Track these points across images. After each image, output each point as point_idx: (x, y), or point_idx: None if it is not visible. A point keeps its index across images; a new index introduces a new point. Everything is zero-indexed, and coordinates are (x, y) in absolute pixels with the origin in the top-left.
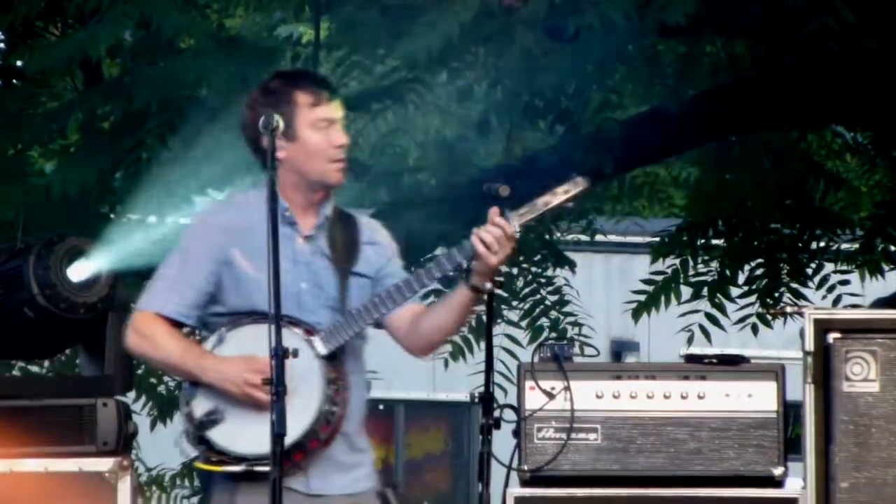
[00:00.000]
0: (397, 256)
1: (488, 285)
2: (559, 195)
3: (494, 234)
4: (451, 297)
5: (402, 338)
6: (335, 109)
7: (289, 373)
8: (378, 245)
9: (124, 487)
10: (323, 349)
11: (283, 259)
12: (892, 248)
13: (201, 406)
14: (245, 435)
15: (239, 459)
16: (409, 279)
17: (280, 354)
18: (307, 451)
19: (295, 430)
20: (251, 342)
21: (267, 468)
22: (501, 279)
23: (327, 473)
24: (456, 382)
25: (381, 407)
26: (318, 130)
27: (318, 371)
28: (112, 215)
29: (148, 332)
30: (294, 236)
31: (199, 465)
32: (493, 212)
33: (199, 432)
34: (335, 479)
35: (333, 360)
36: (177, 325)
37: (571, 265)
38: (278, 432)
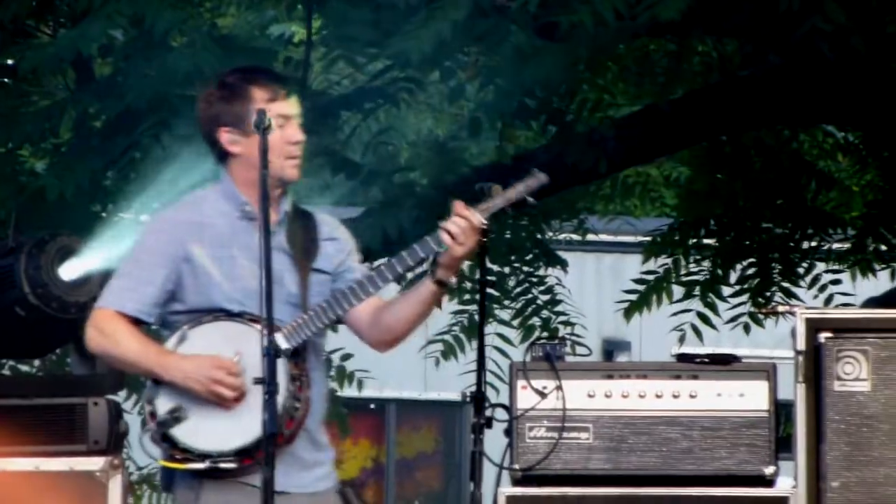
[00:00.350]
0: (356, 252)
1: (453, 279)
2: (519, 189)
3: (460, 225)
4: (415, 291)
5: (363, 332)
6: (291, 106)
7: (252, 369)
8: (337, 241)
9: (115, 486)
10: (285, 346)
11: (243, 255)
12: (884, 247)
13: (164, 404)
14: (209, 432)
15: (203, 457)
16: (371, 274)
17: (272, 354)
18: (274, 446)
19: (259, 426)
20: (214, 340)
21: (231, 465)
22: (494, 278)
23: (290, 471)
24: (447, 382)
25: (372, 406)
26: (274, 127)
27: (280, 368)
28: (104, 214)
29: (108, 331)
30: (254, 232)
31: (163, 463)
32: (458, 204)
33: (162, 430)
34: (298, 476)
35: (295, 356)
36: (138, 323)
37: (563, 264)
38: (271, 431)
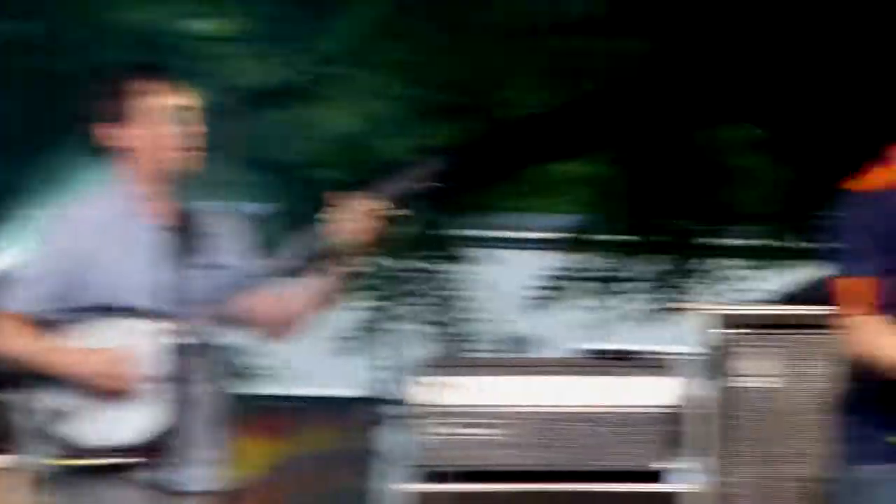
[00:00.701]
0: (250, 248)
1: (349, 269)
2: (409, 176)
3: (349, 213)
4: (311, 282)
5: (258, 325)
6: (183, 98)
7: (147, 364)
8: (232, 236)
9: (4, 485)
10: (181, 340)
11: (139, 250)
12: (794, 244)
13: (54, 400)
14: (100, 427)
15: (93, 453)
16: (265, 266)
17: (176, 349)
18: (167, 443)
19: (151, 421)
20: (110, 335)
21: (122, 460)
22: (402, 274)
23: (186, 468)
24: (352, 378)
25: (275, 403)
26: (166, 119)
27: (176, 362)
28: (13, 212)
29: None
30: (147, 228)
31: (52, 460)
32: (343, 195)
33: (52, 427)
34: (192, 473)
35: (190, 351)
36: (33, 322)
37: (472, 261)
38: (168, 427)
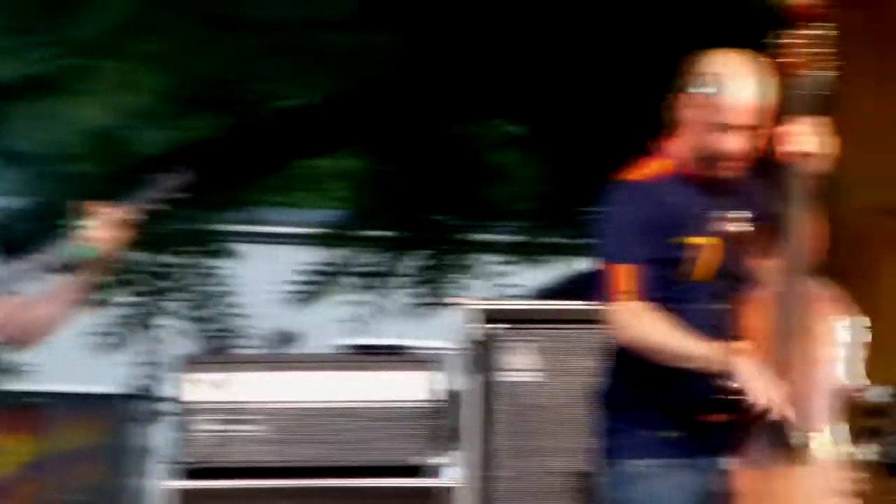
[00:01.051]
0: None
1: (98, 276)
2: (157, 187)
3: (99, 221)
4: (58, 288)
5: (1, 330)
6: None
7: None
8: None
9: None
10: None
11: None
12: (553, 239)
13: None
14: None
15: None
16: (10, 271)
17: None
18: None
19: None
20: None
21: None
22: (163, 270)
23: None
24: (113, 374)
25: (29, 399)
26: None
27: None
28: None
29: None
30: None
31: None
32: (91, 204)
33: None
34: None
35: None
36: None
37: (235, 256)
38: None
